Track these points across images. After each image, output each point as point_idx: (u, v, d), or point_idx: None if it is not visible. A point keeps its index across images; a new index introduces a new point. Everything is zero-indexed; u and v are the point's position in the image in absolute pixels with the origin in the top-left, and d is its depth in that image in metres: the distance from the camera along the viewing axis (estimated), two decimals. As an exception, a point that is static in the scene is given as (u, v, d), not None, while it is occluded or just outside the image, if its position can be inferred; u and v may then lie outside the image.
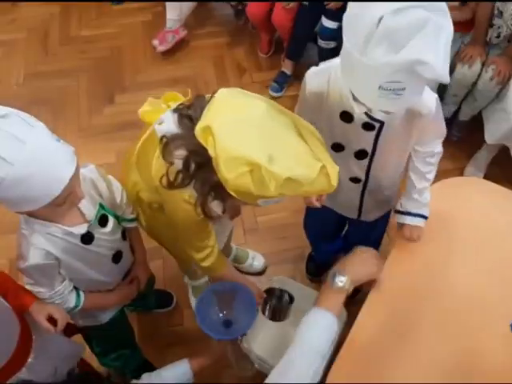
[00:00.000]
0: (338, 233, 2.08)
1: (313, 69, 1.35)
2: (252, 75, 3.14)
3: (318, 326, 1.10)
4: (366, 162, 1.45)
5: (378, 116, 1.27)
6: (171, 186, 1.13)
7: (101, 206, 1.32)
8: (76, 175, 1.12)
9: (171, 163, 1.12)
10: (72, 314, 1.40)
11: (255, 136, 0.97)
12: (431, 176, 1.50)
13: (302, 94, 1.41)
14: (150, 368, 2.02)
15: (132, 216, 1.51)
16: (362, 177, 1.51)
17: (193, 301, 2.22)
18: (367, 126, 1.31)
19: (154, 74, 3.15)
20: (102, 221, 1.32)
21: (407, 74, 1.01)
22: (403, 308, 1.45)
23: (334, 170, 1.02)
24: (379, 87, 1.03)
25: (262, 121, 1.00)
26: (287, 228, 2.42)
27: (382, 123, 1.30)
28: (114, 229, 1.36)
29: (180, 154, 1.10)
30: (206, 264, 1.41)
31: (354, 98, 1.20)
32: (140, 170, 1.39)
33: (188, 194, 1.16)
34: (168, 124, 1.16)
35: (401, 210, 1.56)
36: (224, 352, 1.44)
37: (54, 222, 1.20)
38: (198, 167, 1.09)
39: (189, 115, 1.12)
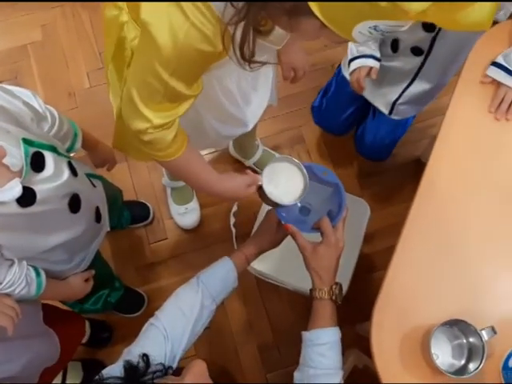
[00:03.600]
0: (348, 129, 1.78)
1: None
2: None
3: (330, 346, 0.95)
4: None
5: None
6: None
7: (26, 141, 0.83)
8: None
9: None
10: None
11: None
12: None
13: None
14: (134, 296, 1.72)
15: (67, 126, 1.07)
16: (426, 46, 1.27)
17: (173, 208, 1.84)
18: None
19: None
20: (37, 163, 0.86)
21: None
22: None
23: None
24: None
25: None
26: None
27: None
28: (57, 167, 0.90)
29: None
30: (147, 137, 0.86)
31: None
32: None
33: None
34: None
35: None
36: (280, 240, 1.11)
37: None
38: None
39: None
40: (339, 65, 1.65)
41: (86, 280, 1.20)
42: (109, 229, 1.26)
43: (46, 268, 1.01)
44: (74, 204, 0.99)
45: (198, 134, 1.15)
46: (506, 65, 1.20)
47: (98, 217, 1.15)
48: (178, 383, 0.67)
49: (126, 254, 1.80)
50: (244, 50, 0.72)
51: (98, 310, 1.47)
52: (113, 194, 1.43)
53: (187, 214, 1.83)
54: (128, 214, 1.76)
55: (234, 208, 1.60)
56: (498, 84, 1.23)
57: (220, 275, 1.02)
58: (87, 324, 1.62)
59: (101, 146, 1.28)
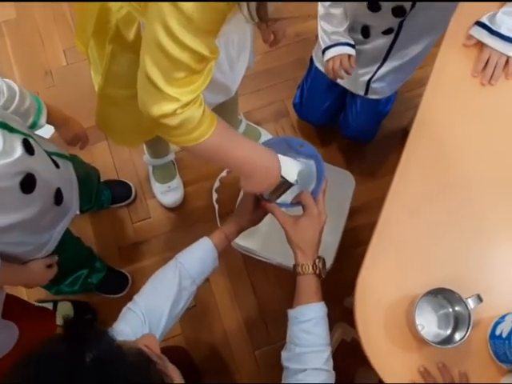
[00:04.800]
0: (333, 118, 1.76)
1: None
2: None
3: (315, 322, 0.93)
4: None
5: None
6: None
7: None
8: None
9: None
10: None
11: None
12: None
13: None
14: (118, 277, 1.69)
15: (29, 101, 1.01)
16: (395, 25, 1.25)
17: (156, 187, 1.80)
18: None
19: None
20: None
21: None
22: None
23: None
24: None
25: None
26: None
27: None
28: (7, 144, 0.83)
29: None
30: (176, 120, 0.78)
31: None
32: None
33: None
34: None
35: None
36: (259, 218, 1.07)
37: None
38: None
39: None
40: (311, 58, 1.62)
41: (50, 266, 1.12)
42: (78, 212, 1.19)
43: (2, 250, 0.95)
44: (28, 184, 0.91)
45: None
46: (489, 25, 1.15)
47: (58, 199, 1.05)
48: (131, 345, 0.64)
49: (109, 234, 1.75)
50: (260, 9, 0.71)
51: (75, 291, 1.43)
52: (86, 175, 1.37)
53: (170, 193, 1.79)
54: (109, 193, 1.72)
55: (217, 184, 1.56)
56: (481, 47, 1.18)
57: (199, 255, 0.98)
58: (69, 305, 1.60)
59: (72, 122, 1.21)
